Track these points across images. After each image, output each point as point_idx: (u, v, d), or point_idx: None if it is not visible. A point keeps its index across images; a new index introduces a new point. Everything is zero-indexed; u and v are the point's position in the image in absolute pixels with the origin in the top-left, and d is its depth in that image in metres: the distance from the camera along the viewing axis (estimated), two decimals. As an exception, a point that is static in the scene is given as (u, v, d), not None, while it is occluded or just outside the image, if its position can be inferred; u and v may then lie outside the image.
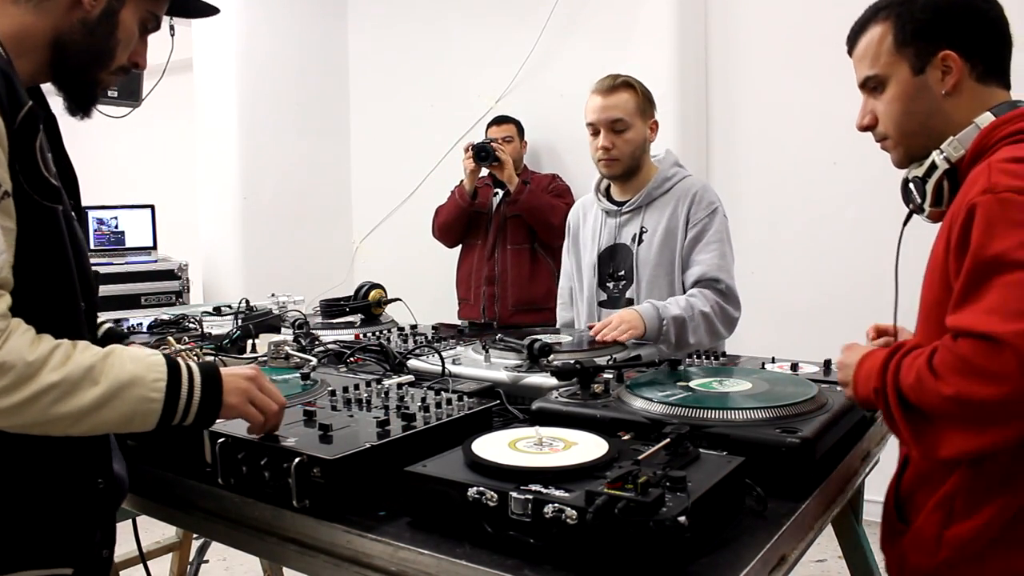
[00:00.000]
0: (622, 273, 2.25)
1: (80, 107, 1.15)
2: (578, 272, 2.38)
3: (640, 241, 2.21)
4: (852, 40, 1.27)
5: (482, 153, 3.50)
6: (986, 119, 1.14)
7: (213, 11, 1.29)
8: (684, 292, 2.15)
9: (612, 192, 2.33)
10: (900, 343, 1.10)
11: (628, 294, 2.22)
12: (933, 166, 1.17)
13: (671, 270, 2.19)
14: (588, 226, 2.35)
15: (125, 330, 1.43)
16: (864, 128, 1.28)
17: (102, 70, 1.12)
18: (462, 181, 3.65)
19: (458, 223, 3.64)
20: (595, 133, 2.20)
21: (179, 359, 1.06)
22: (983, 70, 1.17)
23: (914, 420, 1.03)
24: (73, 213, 1.09)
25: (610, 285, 2.28)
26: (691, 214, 2.17)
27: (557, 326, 2.45)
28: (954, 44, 1.16)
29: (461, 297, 3.77)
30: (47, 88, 1.14)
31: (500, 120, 3.82)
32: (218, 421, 1.13)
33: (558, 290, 2.51)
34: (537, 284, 3.62)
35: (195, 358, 1.47)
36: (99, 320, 1.39)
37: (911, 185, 1.22)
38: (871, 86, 1.25)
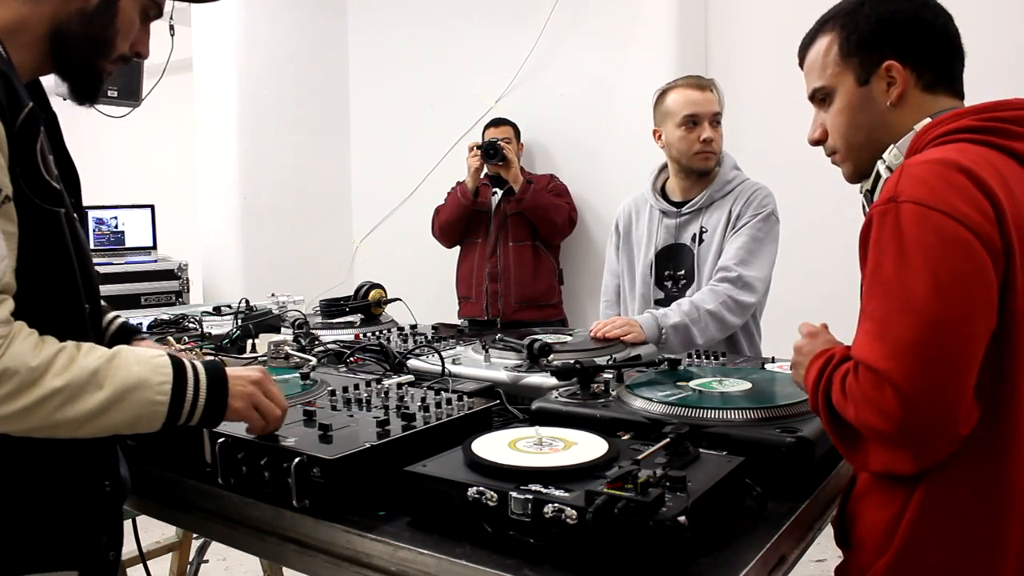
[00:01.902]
0: (682, 273, 2.26)
1: (84, 97, 1.14)
2: (630, 271, 2.39)
3: (700, 241, 2.23)
4: (802, 52, 1.26)
5: (490, 151, 3.52)
6: (924, 124, 1.12)
7: None
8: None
9: (669, 192, 2.34)
10: (832, 352, 1.09)
11: (689, 293, 2.22)
12: (878, 175, 1.16)
13: None
14: (642, 225, 2.35)
15: (137, 326, 1.42)
16: (815, 142, 1.26)
17: (103, 59, 1.11)
18: (459, 181, 3.66)
19: (460, 222, 3.66)
20: (692, 126, 2.20)
21: (185, 359, 1.06)
22: (930, 79, 1.14)
23: (844, 433, 1.04)
24: (75, 214, 1.08)
25: (668, 284, 2.29)
26: (742, 212, 2.20)
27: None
28: (898, 54, 1.14)
29: (462, 295, 3.78)
30: (47, 85, 1.13)
31: (498, 122, 3.83)
32: (209, 428, 1.13)
33: (602, 287, 2.51)
34: (539, 280, 3.66)
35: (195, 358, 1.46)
36: (113, 315, 1.39)
37: (863, 199, 1.21)
38: (819, 98, 1.23)
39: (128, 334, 1.36)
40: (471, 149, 3.58)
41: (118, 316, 1.40)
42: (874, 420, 0.95)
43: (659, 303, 2.26)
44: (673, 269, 2.28)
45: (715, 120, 2.22)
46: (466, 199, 3.60)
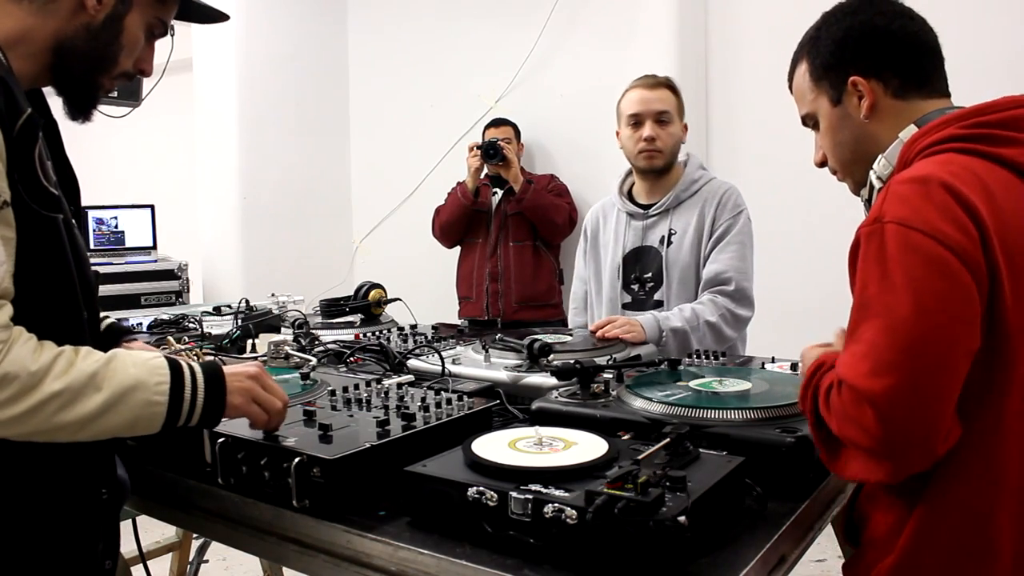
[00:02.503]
0: (649, 275, 2.25)
1: (80, 111, 1.14)
2: (596, 275, 2.37)
3: (669, 243, 2.21)
4: (789, 83, 1.29)
5: (491, 151, 3.52)
6: (909, 132, 1.12)
7: (223, 17, 1.28)
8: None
9: (636, 195, 2.33)
10: (823, 360, 1.10)
11: (657, 296, 2.21)
12: (872, 185, 1.17)
13: (700, 272, 2.19)
14: (609, 229, 2.34)
15: (129, 327, 1.42)
16: (819, 165, 1.28)
17: (104, 75, 1.11)
18: (460, 182, 3.66)
19: (460, 222, 3.66)
20: (636, 125, 2.21)
21: (181, 360, 1.06)
22: (899, 84, 1.15)
23: (827, 439, 1.05)
24: (73, 220, 1.08)
25: (635, 287, 2.27)
26: (717, 215, 2.18)
27: (571, 328, 2.45)
28: (860, 68, 1.15)
29: (462, 296, 3.78)
30: (47, 90, 1.13)
31: (498, 123, 3.83)
32: (209, 428, 1.13)
33: (571, 294, 2.50)
34: (540, 280, 3.67)
35: (195, 358, 1.47)
36: (102, 315, 1.39)
37: (864, 207, 1.23)
38: (810, 124, 1.26)
39: (117, 334, 1.36)
40: (471, 149, 3.58)
41: (107, 316, 1.40)
42: (855, 435, 0.97)
43: (626, 307, 2.25)
44: (640, 272, 2.26)
45: (660, 119, 2.20)
46: (466, 199, 3.60)
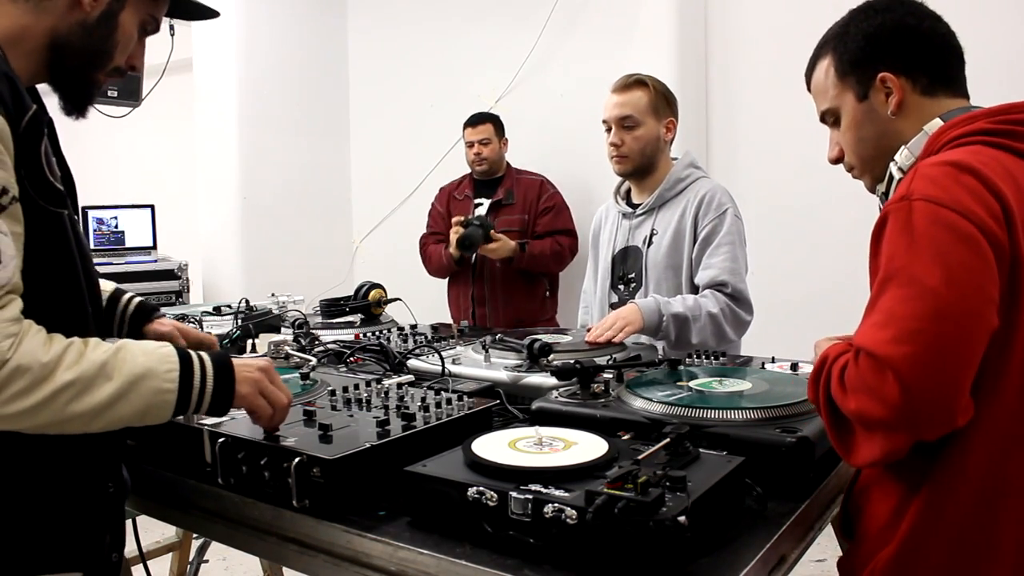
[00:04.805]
0: (632, 276, 2.24)
1: (76, 108, 1.15)
2: (594, 274, 2.38)
3: (650, 243, 2.20)
4: (807, 78, 1.30)
5: (466, 242, 3.12)
6: (935, 125, 1.13)
7: (213, 14, 1.29)
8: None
9: (632, 195, 2.33)
10: (827, 352, 1.09)
11: (638, 297, 2.19)
12: (891, 177, 1.18)
13: (678, 273, 2.17)
14: (607, 228, 2.36)
15: (156, 305, 1.45)
16: (834, 161, 1.29)
17: (99, 71, 1.12)
18: (446, 240, 3.41)
19: (449, 270, 3.54)
20: (608, 130, 2.21)
21: (189, 349, 1.07)
22: (927, 82, 1.17)
23: (839, 425, 1.05)
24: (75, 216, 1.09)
25: (621, 288, 2.27)
26: (700, 217, 2.14)
27: (579, 326, 2.45)
28: (890, 65, 1.17)
29: (453, 316, 3.62)
30: (42, 88, 1.13)
31: (476, 120, 3.59)
32: (218, 417, 1.14)
33: (582, 292, 2.51)
34: (532, 298, 3.53)
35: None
36: (129, 295, 1.40)
37: (879, 201, 1.23)
38: (829, 119, 1.27)
39: (147, 313, 1.37)
40: (453, 225, 3.22)
41: (134, 296, 1.40)
42: (871, 408, 0.95)
43: (613, 307, 2.24)
44: (624, 272, 2.26)
45: (624, 124, 2.17)
46: (452, 267, 3.46)
